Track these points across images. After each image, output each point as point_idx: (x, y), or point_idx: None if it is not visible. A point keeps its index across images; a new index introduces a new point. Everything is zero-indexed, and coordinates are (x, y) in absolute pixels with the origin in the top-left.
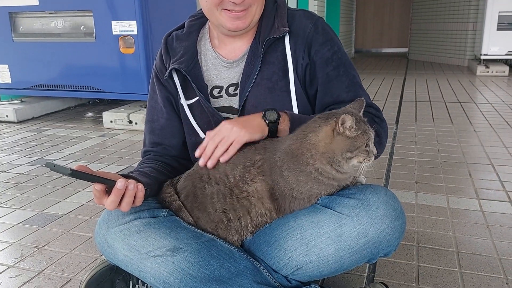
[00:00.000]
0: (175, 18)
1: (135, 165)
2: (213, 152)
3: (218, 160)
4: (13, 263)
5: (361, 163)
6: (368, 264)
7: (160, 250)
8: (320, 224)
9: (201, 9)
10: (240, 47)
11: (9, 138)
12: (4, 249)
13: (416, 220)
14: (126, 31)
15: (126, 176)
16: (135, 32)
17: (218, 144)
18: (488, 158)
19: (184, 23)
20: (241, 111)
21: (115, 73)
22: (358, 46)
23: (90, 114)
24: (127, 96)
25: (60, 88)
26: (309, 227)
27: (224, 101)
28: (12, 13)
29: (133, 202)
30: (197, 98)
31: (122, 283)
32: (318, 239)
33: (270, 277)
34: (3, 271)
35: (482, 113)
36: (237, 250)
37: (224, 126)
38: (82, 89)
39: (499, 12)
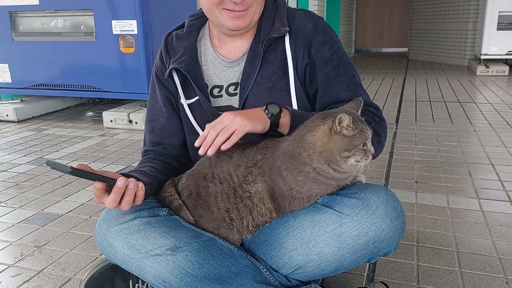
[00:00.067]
0: (175, 17)
1: (135, 165)
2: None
3: (221, 160)
4: (13, 262)
5: (359, 162)
6: (368, 264)
7: (160, 249)
8: (320, 223)
9: (201, 8)
10: (240, 46)
11: (9, 138)
12: (4, 248)
13: (416, 219)
14: (126, 30)
15: (126, 175)
16: (135, 32)
17: (220, 132)
18: (488, 157)
19: (184, 22)
20: None
21: (115, 73)
22: (358, 45)
23: (90, 113)
24: (127, 95)
25: (60, 88)
26: (309, 226)
27: (224, 100)
28: (12, 13)
29: (133, 201)
30: (197, 97)
31: (122, 282)
32: (318, 239)
33: (270, 276)
34: (3, 270)
35: (482, 113)
36: (237, 249)
37: (225, 116)
38: (82, 89)
39: (499, 12)
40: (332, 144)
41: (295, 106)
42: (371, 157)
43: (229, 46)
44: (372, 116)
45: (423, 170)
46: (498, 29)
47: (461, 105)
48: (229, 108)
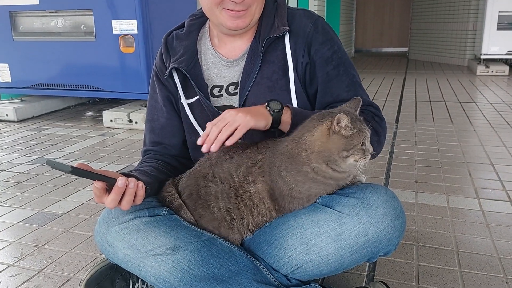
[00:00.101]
0: (175, 17)
1: (135, 164)
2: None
3: (222, 160)
4: (13, 262)
5: (358, 161)
6: (368, 263)
7: (160, 248)
8: (320, 223)
9: (201, 8)
10: (240, 46)
11: (9, 137)
12: (4, 248)
13: (416, 219)
14: (126, 30)
15: (127, 175)
16: (135, 31)
17: (222, 128)
18: (488, 157)
19: (184, 22)
20: None
21: (115, 72)
22: (358, 45)
23: (90, 113)
24: (127, 95)
25: (60, 87)
26: (309, 226)
27: (224, 100)
28: (12, 12)
29: (134, 201)
30: (197, 97)
31: (122, 282)
32: (318, 238)
33: (270, 276)
34: (3, 270)
35: (482, 113)
36: (237, 249)
37: (227, 112)
38: (82, 88)
39: (499, 11)
40: (330, 144)
41: (295, 105)
42: (369, 156)
43: (229, 45)
44: (372, 116)
45: (423, 170)
46: (498, 29)
47: (461, 105)
48: (229, 108)
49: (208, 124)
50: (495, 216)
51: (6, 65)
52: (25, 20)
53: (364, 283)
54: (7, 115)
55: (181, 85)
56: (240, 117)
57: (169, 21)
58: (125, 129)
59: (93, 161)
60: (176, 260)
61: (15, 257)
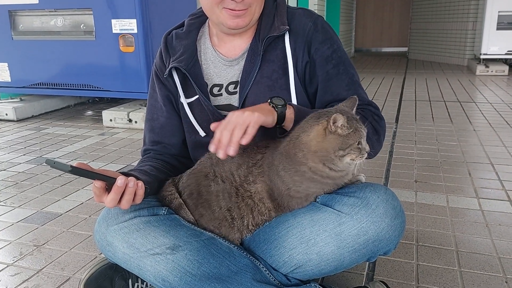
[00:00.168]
0: (175, 16)
1: (135, 164)
2: (230, 140)
3: (223, 159)
4: (12, 262)
5: (354, 160)
6: (367, 263)
7: (160, 248)
8: (319, 222)
9: (201, 7)
10: (240, 45)
11: (9, 137)
12: (3, 247)
13: (415, 219)
14: (126, 29)
15: (126, 174)
16: (135, 31)
17: (234, 130)
18: (487, 157)
19: (184, 21)
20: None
21: (115, 72)
22: (358, 45)
23: (89, 112)
24: (126, 94)
25: (60, 87)
26: (308, 225)
27: (224, 99)
28: (12, 11)
29: (133, 200)
30: (197, 96)
31: (121, 281)
32: (317, 238)
33: (270, 276)
34: (2, 269)
35: (482, 113)
36: (237, 248)
37: (234, 114)
38: (81, 88)
39: (499, 11)
40: (326, 143)
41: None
42: (366, 155)
43: (228, 44)
44: (371, 115)
45: (422, 170)
46: (497, 28)
47: (460, 104)
48: (229, 107)
49: (217, 130)
50: (495, 215)
51: (6, 64)
52: (25, 19)
53: (363, 283)
54: (6, 114)
55: (180, 84)
56: (249, 115)
57: (169, 20)
58: (125, 129)
59: (93, 160)
60: (175, 260)
61: (15, 257)
